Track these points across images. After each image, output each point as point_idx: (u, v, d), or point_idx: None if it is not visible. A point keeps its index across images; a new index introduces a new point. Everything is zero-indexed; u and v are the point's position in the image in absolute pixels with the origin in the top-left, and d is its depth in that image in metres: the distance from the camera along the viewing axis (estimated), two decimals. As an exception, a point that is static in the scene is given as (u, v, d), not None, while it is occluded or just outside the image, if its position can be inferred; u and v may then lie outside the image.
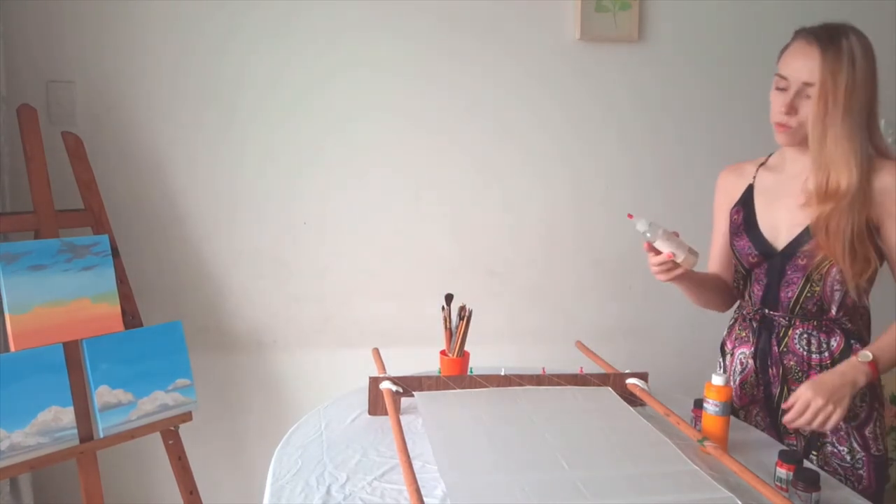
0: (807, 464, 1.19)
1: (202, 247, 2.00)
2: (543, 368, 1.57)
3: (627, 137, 2.15)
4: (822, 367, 1.31)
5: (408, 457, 1.08)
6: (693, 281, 1.41)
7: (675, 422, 1.28)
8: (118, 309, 1.68)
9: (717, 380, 1.26)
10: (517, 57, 2.07)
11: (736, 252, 1.43)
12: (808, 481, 1.09)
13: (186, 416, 1.76)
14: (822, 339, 1.32)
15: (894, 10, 2.22)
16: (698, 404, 1.32)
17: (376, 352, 1.58)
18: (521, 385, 1.41)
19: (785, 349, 1.35)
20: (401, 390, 1.36)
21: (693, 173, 2.21)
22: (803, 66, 1.26)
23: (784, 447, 1.25)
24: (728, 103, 2.20)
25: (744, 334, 1.43)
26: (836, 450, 1.32)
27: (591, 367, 1.56)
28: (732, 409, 1.34)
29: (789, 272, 1.32)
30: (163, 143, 1.93)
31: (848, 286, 1.29)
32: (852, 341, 1.32)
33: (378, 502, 1.09)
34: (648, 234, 1.31)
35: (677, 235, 1.32)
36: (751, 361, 1.39)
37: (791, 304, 1.34)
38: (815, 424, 1.18)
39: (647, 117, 2.15)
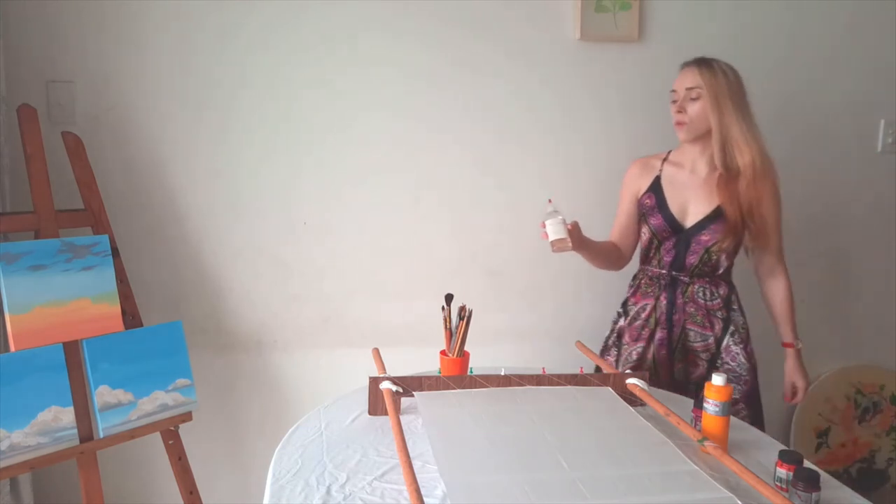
0: (807, 464, 1.19)
1: (202, 247, 2.00)
2: (543, 368, 1.57)
3: (627, 137, 2.15)
4: (716, 310, 1.76)
5: (408, 457, 1.08)
6: (592, 251, 1.79)
7: (675, 422, 1.28)
8: (118, 309, 1.68)
9: (718, 380, 1.26)
10: (517, 57, 2.07)
11: (652, 228, 1.80)
12: (808, 481, 1.09)
13: (186, 416, 1.76)
14: (713, 289, 1.77)
15: (894, 10, 2.22)
16: (698, 404, 1.32)
17: (376, 352, 1.58)
18: (521, 385, 1.41)
19: (687, 299, 1.77)
20: (401, 390, 1.36)
21: (693, 173, 2.21)
22: (685, 78, 1.73)
23: (783, 447, 1.25)
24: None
25: (649, 290, 1.82)
26: (730, 366, 1.75)
27: (591, 368, 1.56)
28: (620, 344, 1.85)
29: (693, 245, 1.75)
30: (163, 143, 1.94)
31: (733, 248, 1.75)
32: (732, 288, 1.80)
33: (378, 502, 1.09)
34: (547, 215, 1.68)
35: (570, 227, 1.67)
36: (648, 311, 1.80)
37: (693, 267, 1.76)
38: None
39: (646, 117, 2.15)
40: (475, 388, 1.39)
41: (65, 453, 1.56)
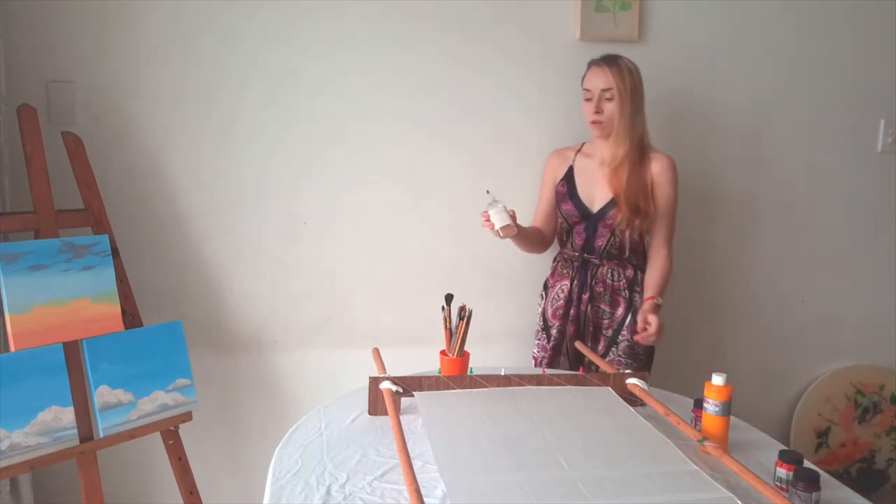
0: (807, 464, 1.19)
1: (202, 247, 2.00)
2: (543, 368, 1.58)
3: (627, 137, 2.15)
4: (622, 290, 1.90)
5: (408, 457, 1.08)
6: (522, 237, 1.87)
7: (675, 422, 1.28)
8: (118, 309, 1.68)
9: (717, 380, 1.26)
10: (517, 57, 2.07)
11: (563, 214, 1.96)
12: (808, 481, 1.09)
13: (186, 416, 1.76)
14: (620, 271, 1.91)
15: (894, 10, 2.22)
16: (698, 404, 1.32)
17: (376, 352, 1.58)
18: (521, 385, 1.41)
19: (596, 280, 1.91)
20: (401, 390, 1.36)
21: (691, 171, 2.21)
22: (599, 79, 1.84)
23: (783, 447, 1.25)
24: (727, 103, 2.20)
25: (565, 271, 1.97)
26: (630, 342, 1.86)
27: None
28: (547, 325, 1.97)
29: (600, 228, 1.89)
30: (163, 143, 1.93)
31: (633, 228, 1.86)
32: (638, 271, 1.92)
33: (378, 502, 1.09)
34: (489, 205, 1.75)
35: (511, 214, 1.77)
36: (566, 292, 1.94)
37: (601, 250, 1.91)
38: (657, 340, 1.77)
39: (646, 117, 2.15)
40: (475, 388, 1.39)
41: (65, 453, 1.56)
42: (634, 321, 1.85)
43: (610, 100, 1.83)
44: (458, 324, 1.52)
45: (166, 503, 2.04)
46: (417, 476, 1.02)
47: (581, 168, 1.95)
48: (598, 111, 1.84)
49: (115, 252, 1.71)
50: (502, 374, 1.42)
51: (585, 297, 1.91)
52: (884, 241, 2.35)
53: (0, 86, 1.72)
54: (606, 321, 1.91)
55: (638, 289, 1.91)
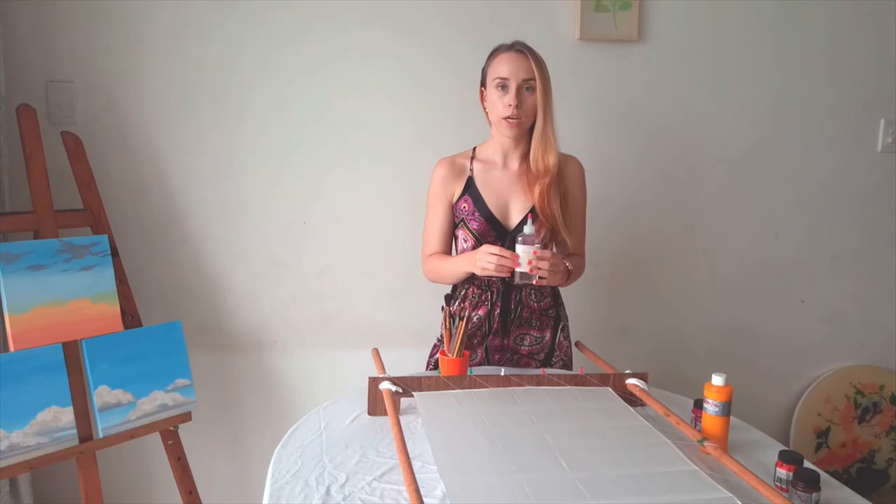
0: (807, 464, 1.19)
1: (201, 247, 2.00)
2: (543, 368, 1.58)
3: (627, 137, 2.15)
4: (547, 310, 1.71)
5: (407, 457, 1.07)
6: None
7: (675, 422, 1.28)
8: (117, 309, 1.68)
9: (717, 380, 1.26)
10: (517, 57, 2.06)
11: (474, 233, 1.66)
12: (808, 481, 1.09)
13: (186, 417, 1.76)
14: (542, 290, 1.70)
15: (894, 10, 2.22)
16: (698, 404, 1.32)
17: (376, 352, 1.58)
18: (520, 385, 1.41)
19: (521, 304, 1.68)
20: (400, 390, 1.36)
21: (691, 172, 2.21)
22: (520, 67, 1.57)
23: (783, 447, 1.25)
24: (728, 103, 2.20)
25: (482, 300, 1.69)
26: (564, 361, 1.73)
27: (591, 367, 1.56)
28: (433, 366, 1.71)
29: None
30: (163, 143, 1.94)
31: (568, 242, 1.66)
32: (559, 289, 1.75)
33: (377, 502, 1.09)
34: (524, 238, 1.51)
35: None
36: (485, 320, 1.68)
37: None
38: (547, 274, 1.51)
39: (646, 117, 2.15)
40: (475, 388, 1.39)
41: (64, 453, 1.56)
42: (564, 336, 1.74)
43: (530, 91, 1.58)
44: (457, 324, 1.52)
45: (166, 503, 2.04)
46: (417, 476, 1.02)
47: (483, 177, 1.67)
48: (519, 103, 1.57)
49: (114, 252, 1.71)
50: (502, 374, 1.42)
51: (512, 323, 1.69)
52: (884, 241, 2.35)
53: (0, 86, 1.72)
54: (536, 347, 1.71)
55: (560, 301, 1.76)
